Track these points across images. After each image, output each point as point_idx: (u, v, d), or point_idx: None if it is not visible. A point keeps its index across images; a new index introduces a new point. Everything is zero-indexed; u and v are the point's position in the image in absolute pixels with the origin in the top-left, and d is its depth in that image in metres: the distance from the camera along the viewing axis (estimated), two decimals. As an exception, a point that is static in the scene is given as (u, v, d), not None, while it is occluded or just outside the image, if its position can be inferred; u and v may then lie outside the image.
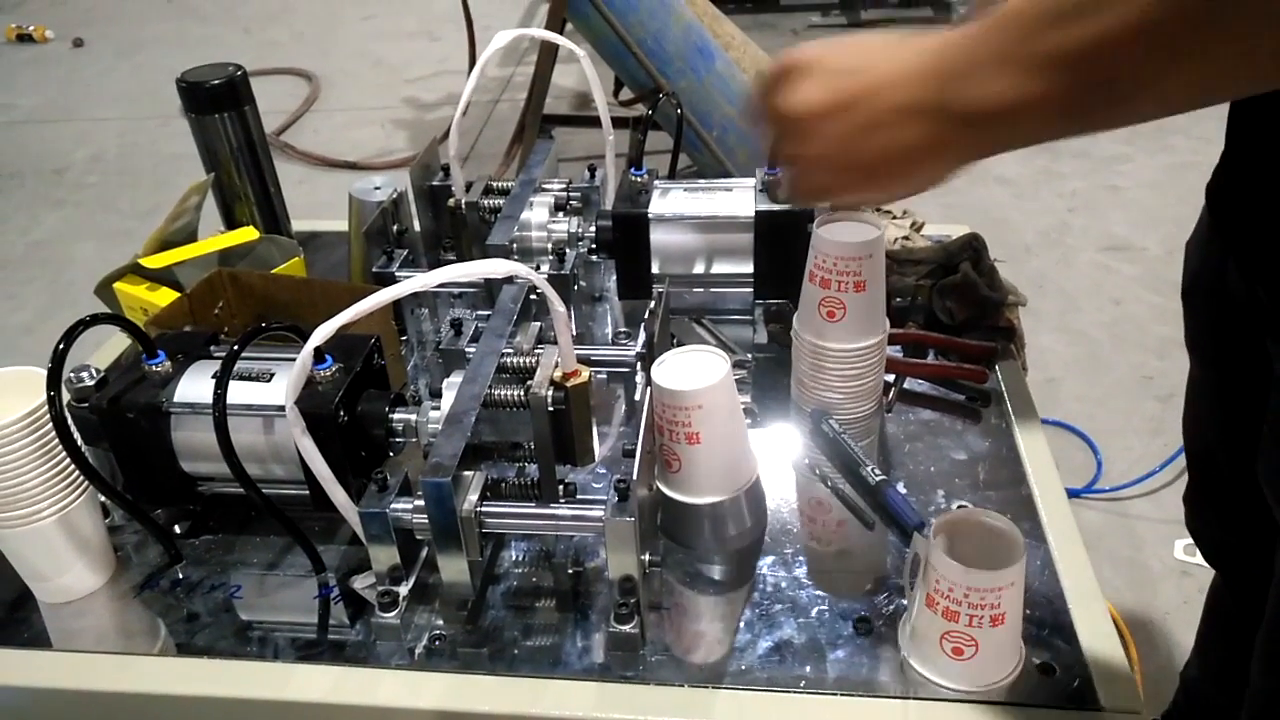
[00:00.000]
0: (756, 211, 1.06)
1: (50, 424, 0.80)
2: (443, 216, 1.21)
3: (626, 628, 0.78)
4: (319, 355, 0.84)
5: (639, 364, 0.96)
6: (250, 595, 0.88)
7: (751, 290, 1.14)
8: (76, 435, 0.83)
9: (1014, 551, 0.71)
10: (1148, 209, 2.94)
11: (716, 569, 0.88)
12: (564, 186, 1.18)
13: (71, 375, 0.86)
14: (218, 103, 1.30)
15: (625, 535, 0.75)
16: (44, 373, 0.80)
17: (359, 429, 0.86)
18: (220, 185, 1.36)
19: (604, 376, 0.99)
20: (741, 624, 0.82)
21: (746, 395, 1.05)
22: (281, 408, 0.78)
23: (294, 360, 0.77)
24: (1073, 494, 1.95)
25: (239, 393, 0.84)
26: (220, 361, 0.81)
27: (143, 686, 0.81)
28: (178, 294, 1.11)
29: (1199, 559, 1.78)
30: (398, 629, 0.81)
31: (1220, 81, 0.50)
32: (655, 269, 1.12)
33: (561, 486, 0.83)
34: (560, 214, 1.15)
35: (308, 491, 0.86)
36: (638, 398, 0.91)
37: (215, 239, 1.24)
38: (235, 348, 0.82)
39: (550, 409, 0.81)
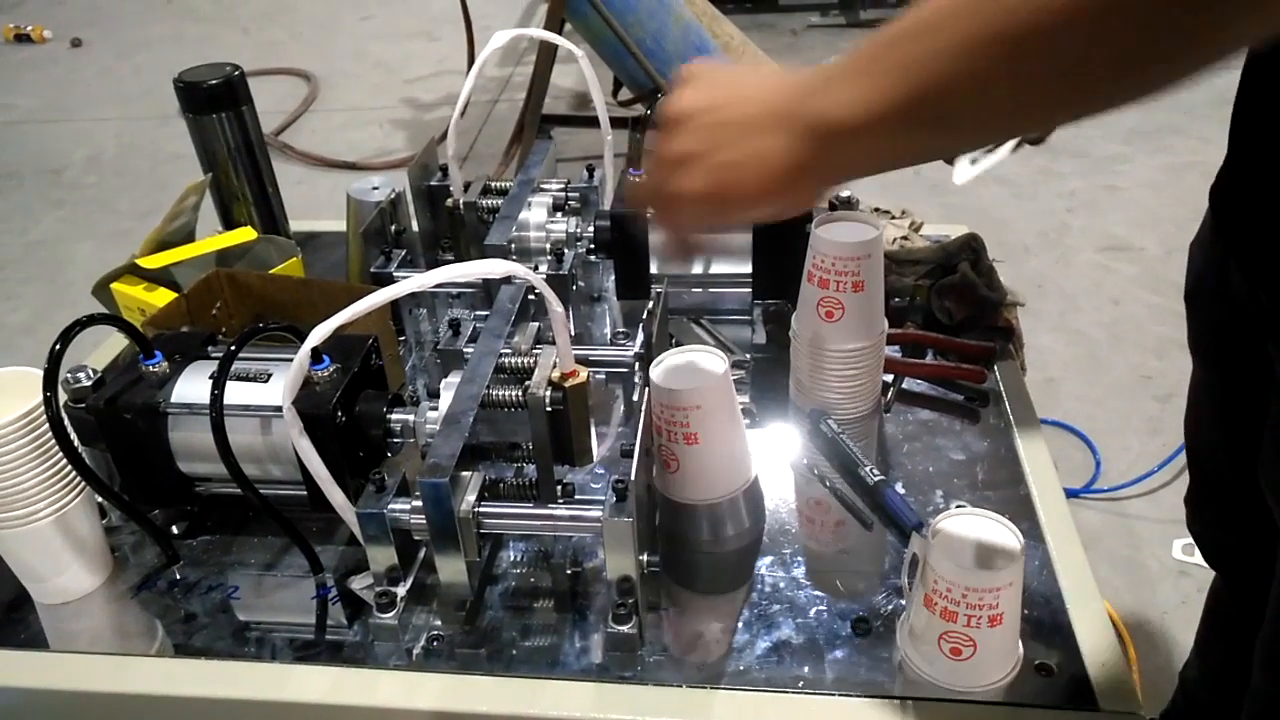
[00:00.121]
0: (755, 211, 1.06)
1: (47, 424, 0.80)
2: (441, 217, 1.21)
3: (625, 628, 0.78)
4: (316, 355, 0.84)
5: (637, 364, 0.96)
6: (248, 596, 0.88)
7: (750, 290, 1.14)
8: (73, 436, 0.82)
9: (1012, 552, 0.71)
10: (1146, 209, 2.94)
11: (715, 569, 0.88)
12: (562, 186, 1.18)
13: (68, 376, 0.86)
14: (216, 103, 1.30)
15: (623, 535, 0.75)
16: (41, 373, 0.79)
17: (357, 429, 0.85)
18: (218, 185, 1.36)
19: (602, 377, 0.99)
20: (740, 624, 0.82)
21: (745, 395, 1.05)
22: (279, 408, 0.78)
23: (291, 361, 0.77)
24: (1071, 494, 1.95)
25: (236, 393, 0.84)
26: (218, 362, 0.81)
27: (140, 687, 0.81)
28: (175, 294, 1.11)
29: (1197, 559, 1.79)
30: (395, 630, 0.81)
31: (1035, 110, 0.52)
32: (654, 269, 1.12)
33: (560, 487, 0.83)
34: (559, 214, 1.15)
35: (305, 492, 0.86)
36: (636, 398, 0.91)
37: (213, 239, 1.24)
38: (233, 348, 0.82)
39: (548, 409, 0.81)
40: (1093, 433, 2.10)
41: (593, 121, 1.24)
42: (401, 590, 0.81)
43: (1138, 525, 1.91)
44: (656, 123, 0.66)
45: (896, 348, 1.09)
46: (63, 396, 0.84)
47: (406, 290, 0.72)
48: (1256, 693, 0.87)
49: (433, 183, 1.21)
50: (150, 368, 0.87)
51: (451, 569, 0.79)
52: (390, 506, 0.78)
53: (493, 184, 1.18)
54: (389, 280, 1.11)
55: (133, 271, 1.20)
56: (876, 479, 0.92)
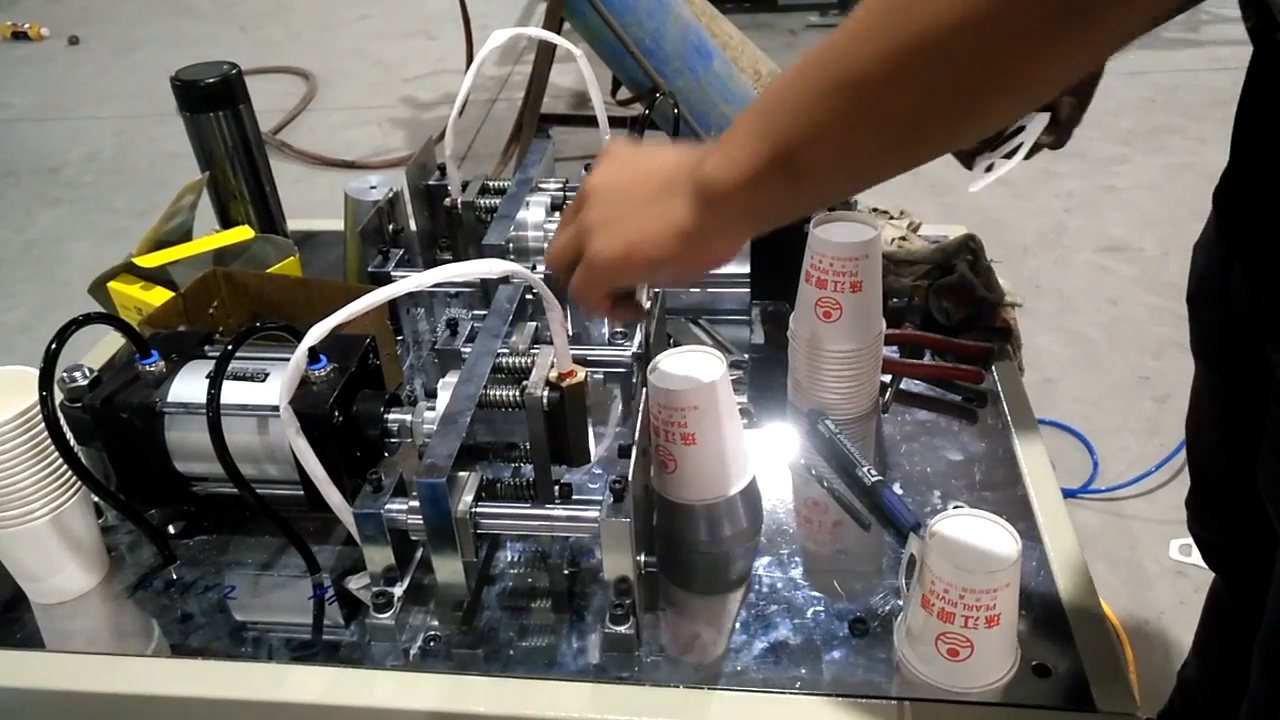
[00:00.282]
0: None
1: (43, 424, 0.80)
2: (439, 216, 1.21)
3: (622, 629, 0.78)
4: (314, 355, 0.84)
5: (635, 364, 0.96)
6: (244, 596, 0.88)
7: (748, 290, 1.14)
8: (69, 435, 0.82)
9: (1010, 552, 0.71)
10: (1144, 210, 2.94)
11: (712, 570, 0.88)
12: (561, 186, 1.18)
13: (64, 375, 0.86)
14: (213, 101, 1.30)
15: (621, 536, 0.75)
16: (36, 372, 0.79)
17: (354, 429, 0.85)
18: (215, 184, 1.36)
19: (600, 377, 0.98)
20: (737, 625, 0.82)
21: (743, 395, 1.05)
22: (276, 408, 0.78)
23: (289, 360, 0.76)
24: (1069, 494, 1.95)
25: (233, 393, 0.84)
26: (214, 361, 0.81)
27: (136, 687, 0.80)
28: (172, 293, 1.11)
29: (1194, 559, 1.79)
30: (393, 630, 0.81)
31: (888, 156, 0.55)
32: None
33: (557, 487, 0.83)
34: (557, 214, 1.15)
35: (302, 492, 0.85)
36: (634, 398, 0.91)
37: (210, 238, 1.24)
38: (230, 347, 0.81)
39: (546, 409, 0.81)
40: (1090, 433, 2.10)
41: (591, 121, 1.24)
42: (398, 590, 0.81)
43: (1135, 526, 1.91)
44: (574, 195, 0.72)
45: (894, 348, 1.09)
46: (59, 396, 0.84)
47: (404, 290, 0.72)
48: (1255, 694, 0.87)
49: (431, 182, 1.21)
50: (147, 367, 0.87)
51: (449, 569, 0.78)
52: (387, 506, 0.78)
53: (491, 183, 1.18)
54: (386, 280, 1.11)
55: (129, 270, 1.20)
56: (874, 479, 0.92)
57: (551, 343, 0.82)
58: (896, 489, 0.92)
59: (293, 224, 1.46)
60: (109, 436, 0.86)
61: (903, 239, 1.20)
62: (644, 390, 0.84)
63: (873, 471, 0.92)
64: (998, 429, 1.01)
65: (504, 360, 0.86)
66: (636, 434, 0.79)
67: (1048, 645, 0.78)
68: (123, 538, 0.94)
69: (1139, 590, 1.78)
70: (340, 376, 0.85)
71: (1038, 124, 0.82)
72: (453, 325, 0.95)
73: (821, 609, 0.82)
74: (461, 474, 0.78)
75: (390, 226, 1.20)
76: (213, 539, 0.93)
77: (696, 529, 0.88)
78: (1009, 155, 0.82)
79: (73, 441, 0.83)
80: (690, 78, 2.52)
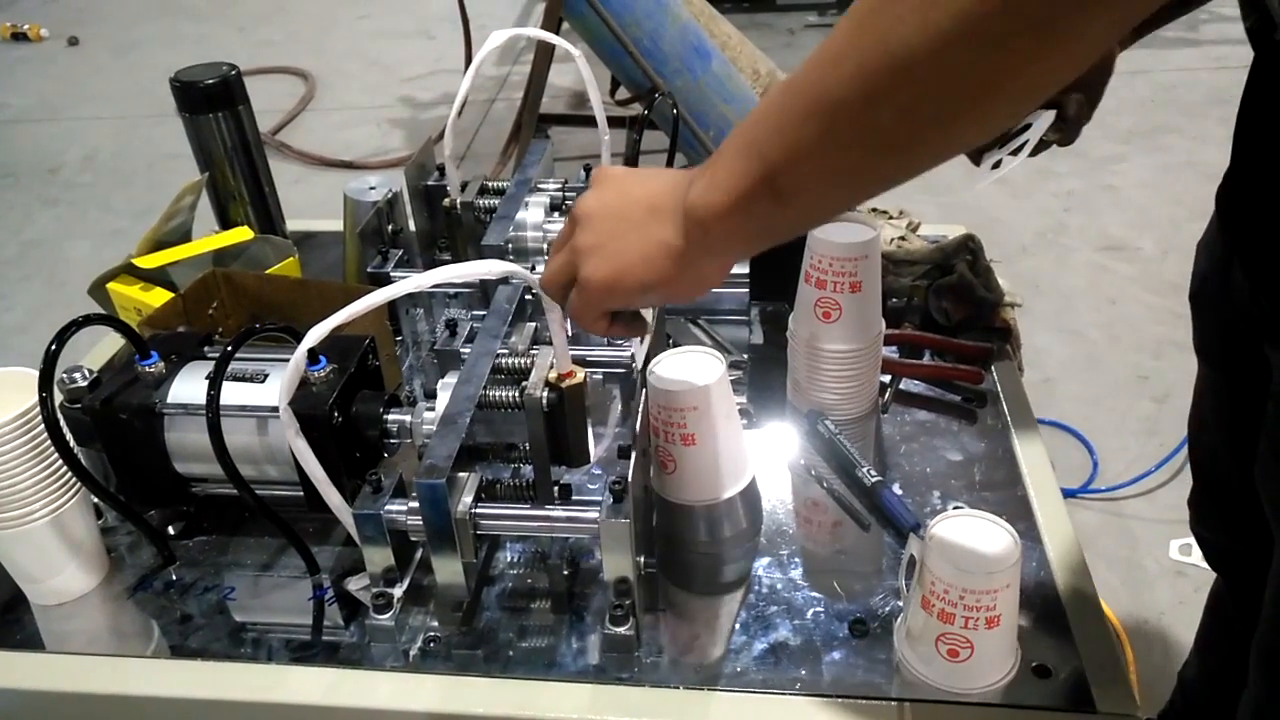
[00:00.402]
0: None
1: (42, 425, 0.80)
2: (438, 216, 1.21)
3: (621, 629, 0.78)
4: (313, 356, 0.84)
5: (635, 365, 0.96)
6: (244, 597, 0.87)
7: (747, 291, 1.14)
8: (69, 436, 0.82)
9: (1010, 553, 0.71)
10: (1144, 209, 2.94)
11: (712, 570, 0.88)
12: (560, 186, 1.18)
13: (64, 376, 0.86)
14: (212, 102, 1.30)
15: (620, 537, 0.75)
16: (36, 373, 0.79)
17: (353, 430, 0.85)
18: (215, 185, 1.36)
19: (599, 377, 0.98)
20: (737, 626, 0.82)
21: (742, 396, 1.05)
22: (275, 409, 0.78)
23: (288, 361, 0.76)
24: (1068, 494, 1.95)
25: (233, 394, 0.83)
26: (214, 362, 0.81)
27: (136, 689, 0.80)
28: (171, 294, 1.11)
29: (1194, 559, 1.79)
30: (392, 631, 0.81)
31: (867, 176, 0.56)
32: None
33: (557, 488, 0.83)
34: (556, 214, 1.14)
35: (302, 493, 0.85)
36: (633, 399, 0.91)
37: (209, 239, 1.24)
38: (229, 348, 0.81)
39: (545, 410, 0.81)
40: (1090, 433, 2.10)
41: (590, 121, 1.24)
42: (398, 591, 0.81)
43: (1135, 525, 1.91)
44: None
45: (894, 348, 1.09)
46: (58, 397, 0.84)
47: (404, 291, 0.72)
48: (1251, 693, 0.87)
49: (430, 182, 1.21)
50: (146, 368, 0.87)
51: (448, 570, 0.78)
52: (387, 507, 0.78)
53: (490, 184, 1.18)
54: (386, 280, 1.11)
55: (129, 271, 1.20)
56: (874, 480, 0.92)
57: (551, 343, 0.82)
58: (896, 489, 0.92)
59: (292, 224, 1.46)
60: (108, 437, 0.86)
61: (902, 239, 1.20)
62: (644, 391, 0.84)
63: (872, 472, 0.92)
64: (997, 429, 1.01)
65: (503, 361, 0.86)
66: (636, 435, 0.79)
67: (1048, 646, 0.78)
68: (122, 539, 0.94)
69: (1139, 590, 1.78)
70: (340, 377, 0.85)
71: (1044, 121, 0.82)
72: (452, 326, 0.95)
73: (821, 610, 0.82)
74: (461, 475, 0.78)
75: (389, 227, 1.20)
76: (212, 540, 0.93)
77: (696, 529, 0.88)
78: (1015, 152, 0.82)
79: (72, 442, 0.83)
80: (689, 78, 2.52)
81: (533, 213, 1.12)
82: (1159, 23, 0.83)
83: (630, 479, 0.75)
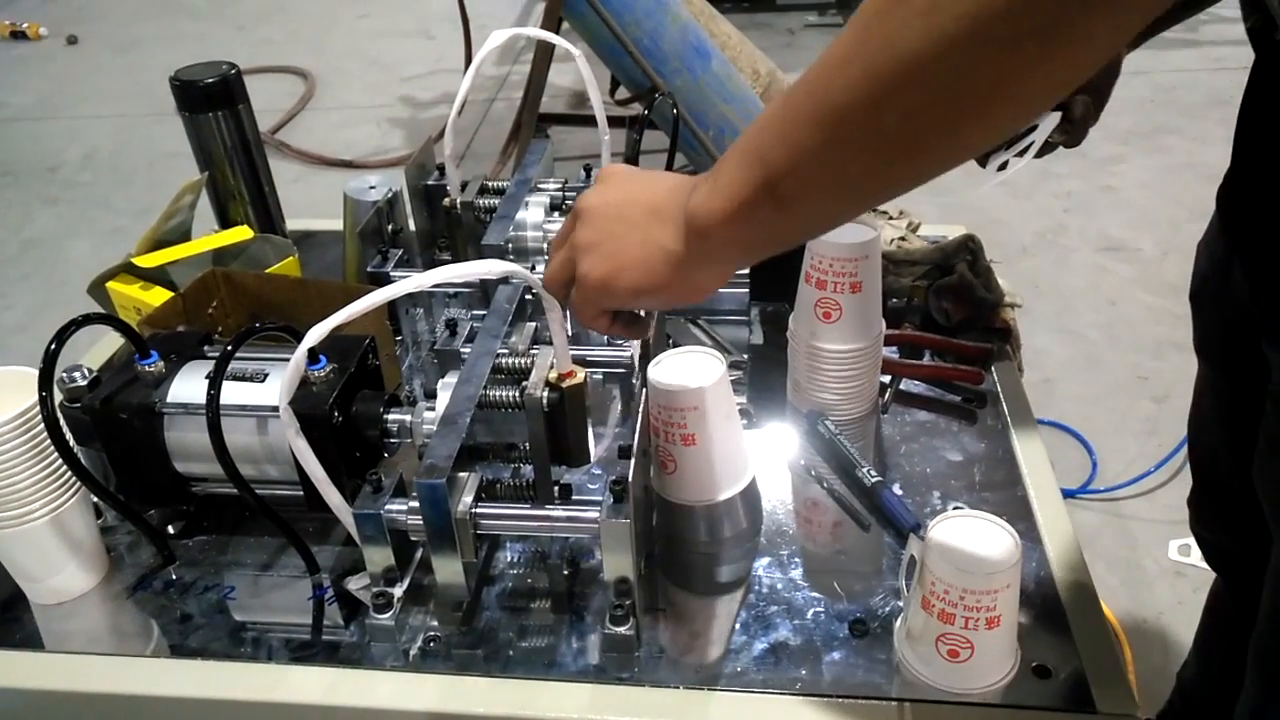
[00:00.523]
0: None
1: (42, 424, 0.80)
2: (438, 216, 1.21)
3: (622, 629, 0.78)
4: (313, 355, 0.84)
5: (635, 365, 0.95)
6: (244, 596, 0.87)
7: (747, 291, 1.14)
8: (69, 435, 0.82)
9: (1010, 553, 0.71)
10: (1143, 210, 2.94)
11: (712, 570, 0.88)
12: (560, 186, 1.18)
13: (64, 375, 0.86)
14: (212, 101, 1.30)
15: (621, 537, 0.75)
16: (36, 372, 0.79)
17: (353, 430, 0.85)
18: (214, 184, 1.36)
19: (600, 377, 0.98)
20: (737, 626, 0.82)
21: (742, 396, 1.05)
22: (275, 408, 0.77)
23: (288, 361, 0.76)
24: (1067, 494, 1.95)
25: (233, 393, 0.83)
26: (214, 362, 0.81)
27: (136, 688, 0.80)
28: (171, 293, 1.11)
29: (1193, 559, 1.79)
30: (392, 630, 0.81)
31: (868, 182, 0.55)
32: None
33: (557, 488, 0.83)
34: (556, 214, 1.14)
35: (302, 492, 0.85)
36: (634, 399, 0.91)
37: (209, 238, 1.24)
38: (229, 348, 0.81)
39: (546, 410, 0.81)
40: (1089, 433, 2.11)
41: (590, 120, 1.24)
42: (398, 591, 0.81)
43: (1134, 526, 1.91)
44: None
45: (894, 348, 1.09)
46: (58, 396, 0.84)
47: (404, 290, 0.72)
48: (1249, 693, 0.87)
49: (430, 182, 1.21)
50: (146, 367, 0.87)
51: (448, 570, 0.78)
52: (387, 507, 0.78)
53: (490, 183, 1.18)
54: (386, 280, 1.11)
55: (128, 270, 1.19)
56: (874, 480, 0.92)
57: (551, 343, 0.82)
58: (896, 490, 0.92)
59: (291, 224, 1.46)
60: (108, 437, 0.86)
61: (902, 239, 1.20)
62: (644, 391, 0.84)
63: (872, 472, 0.92)
64: (997, 429, 1.01)
65: (503, 361, 0.86)
66: (636, 435, 0.79)
67: (1048, 646, 0.78)
68: (122, 538, 0.94)
69: (1137, 590, 1.78)
70: (340, 377, 0.85)
71: (1049, 122, 0.82)
72: (452, 326, 0.95)
73: (821, 610, 0.82)
74: (461, 474, 0.78)
75: (389, 226, 1.20)
76: (212, 539, 0.93)
77: (696, 529, 0.88)
78: (1021, 153, 0.82)
79: (72, 442, 0.83)
80: (689, 77, 2.52)
81: (533, 212, 1.12)
82: (1166, 25, 0.83)
83: (630, 479, 0.75)
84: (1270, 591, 0.81)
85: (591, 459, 0.87)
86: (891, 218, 1.25)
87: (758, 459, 0.92)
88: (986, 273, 1.12)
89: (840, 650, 0.79)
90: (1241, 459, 0.88)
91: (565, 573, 0.87)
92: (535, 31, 1.27)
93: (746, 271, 1.12)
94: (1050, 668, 0.76)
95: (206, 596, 0.87)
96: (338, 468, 0.82)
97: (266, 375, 0.86)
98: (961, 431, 1.01)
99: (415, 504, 0.76)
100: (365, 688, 0.78)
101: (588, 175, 1.19)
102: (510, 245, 1.07)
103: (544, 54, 2.87)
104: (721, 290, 1.16)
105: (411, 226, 1.25)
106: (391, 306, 1.13)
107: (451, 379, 0.84)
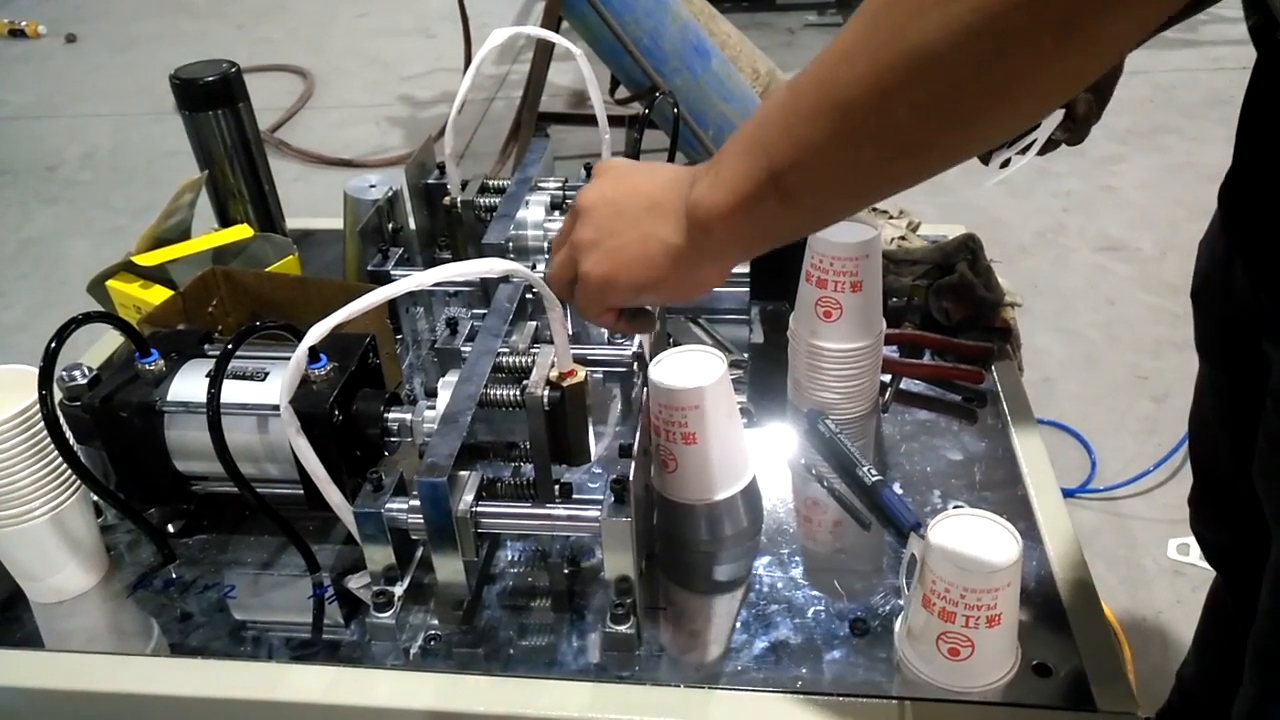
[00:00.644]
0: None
1: (42, 423, 0.80)
2: (438, 215, 1.21)
3: (622, 628, 0.78)
4: (314, 354, 0.84)
5: (635, 364, 0.95)
6: (244, 595, 0.87)
7: (748, 290, 1.14)
8: (69, 434, 0.82)
9: (1010, 552, 0.71)
10: (1143, 209, 2.94)
11: (713, 569, 0.88)
12: (560, 185, 1.18)
13: (64, 374, 0.85)
14: (212, 100, 1.30)
15: (621, 535, 0.75)
16: (36, 371, 0.79)
17: (354, 428, 0.85)
18: (214, 183, 1.35)
19: (600, 376, 0.99)
20: (738, 624, 0.82)
21: (743, 395, 1.05)
22: (276, 407, 0.77)
23: (288, 359, 0.76)
24: (1067, 494, 1.95)
25: (233, 392, 0.83)
26: (214, 360, 0.81)
27: (136, 687, 0.80)
28: (171, 292, 1.11)
29: (1192, 558, 1.79)
30: (393, 629, 0.81)
31: (875, 176, 0.54)
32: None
33: (557, 486, 0.83)
34: (556, 213, 1.14)
35: (302, 491, 0.85)
36: (634, 397, 0.91)
37: (209, 237, 1.24)
38: (229, 346, 0.81)
39: (546, 409, 0.81)
40: (1088, 432, 2.11)
41: (590, 119, 1.24)
42: (399, 590, 0.81)
43: (1133, 525, 1.91)
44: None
45: (894, 348, 1.09)
46: (58, 395, 0.84)
47: (404, 289, 0.72)
48: (1247, 691, 0.87)
49: (430, 181, 1.20)
50: (146, 366, 0.87)
51: (449, 568, 0.78)
52: (388, 506, 0.78)
53: (490, 182, 1.18)
54: (386, 279, 1.11)
55: (128, 269, 1.19)
56: (874, 479, 0.92)
57: (552, 342, 0.82)
58: (896, 489, 0.92)
59: (291, 223, 1.46)
60: (108, 435, 0.86)
61: (902, 239, 1.20)
62: (644, 390, 0.84)
63: (873, 471, 0.92)
64: (997, 429, 1.01)
65: (504, 360, 0.86)
66: (637, 433, 0.79)
67: (1048, 645, 0.78)
68: (122, 537, 0.94)
69: (1137, 589, 1.78)
70: (340, 375, 0.85)
71: (1052, 119, 0.82)
72: (452, 324, 0.95)
73: (822, 608, 0.82)
74: (462, 473, 0.78)
75: (389, 225, 1.20)
76: (212, 538, 0.93)
77: (697, 529, 0.88)
78: (1024, 151, 0.82)
79: (72, 440, 0.83)
80: (688, 76, 2.52)
81: (533, 211, 1.12)
82: (1169, 23, 0.83)
83: (631, 478, 0.75)
84: (1269, 590, 0.81)
85: (592, 458, 0.87)
86: (892, 217, 1.25)
87: (758, 458, 0.92)
88: (987, 272, 1.12)
89: (841, 649, 0.79)
90: (1242, 457, 0.88)
91: (566, 571, 0.87)
92: (535, 30, 1.27)
93: (747, 270, 1.12)
94: (1050, 666, 0.76)
95: (207, 595, 0.87)
96: (338, 466, 0.82)
97: (267, 374, 0.86)
98: (962, 431, 1.01)
99: (416, 503, 0.76)
100: (366, 686, 0.78)
101: (588, 174, 1.19)
102: (511, 244, 1.07)
103: (544, 53, 2.87)
104: (722, 289, 1.17)
105: (412, 225, 1.25)
106: (392, 305, 1.13)
107: (452, 378, 0.84)
